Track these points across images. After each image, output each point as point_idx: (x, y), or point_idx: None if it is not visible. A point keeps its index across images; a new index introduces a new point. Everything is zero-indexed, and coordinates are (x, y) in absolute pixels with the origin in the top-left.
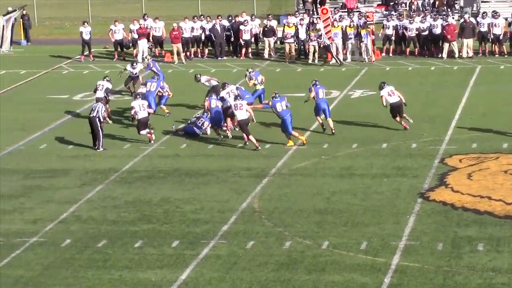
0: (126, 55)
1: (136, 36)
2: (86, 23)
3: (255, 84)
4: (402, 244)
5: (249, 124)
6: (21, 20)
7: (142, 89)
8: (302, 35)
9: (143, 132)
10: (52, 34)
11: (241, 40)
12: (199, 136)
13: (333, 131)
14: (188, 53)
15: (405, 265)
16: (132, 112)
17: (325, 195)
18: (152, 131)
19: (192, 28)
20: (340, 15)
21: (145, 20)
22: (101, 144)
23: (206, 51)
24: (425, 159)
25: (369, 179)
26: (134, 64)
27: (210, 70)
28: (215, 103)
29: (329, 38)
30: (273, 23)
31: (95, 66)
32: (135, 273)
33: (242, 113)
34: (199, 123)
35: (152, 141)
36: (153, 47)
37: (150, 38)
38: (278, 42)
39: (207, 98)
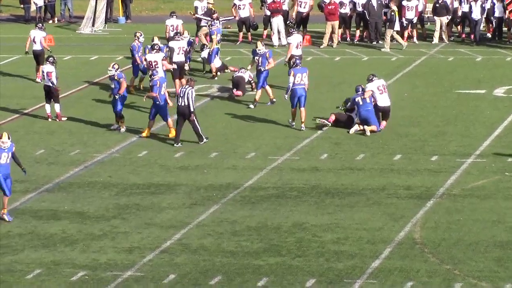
0: (254, 36)
1: (268, 12)
2: None
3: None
4: None
5: None
6: None
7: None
8: (476, 15)
9: (47, 107)
10: (159, 9)
11: (404, 19)
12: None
13: None
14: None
15: None
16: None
17: (509, 223)
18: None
19: (341, 4)
20: None
21: None
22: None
23: (358, 33)
24: None
25: None
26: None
27: (361, 58)
28: None
29: None
30: None
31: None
32: None
33: None
34: None
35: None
36: (295, 25)
37: (293, 14)
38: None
39: None
